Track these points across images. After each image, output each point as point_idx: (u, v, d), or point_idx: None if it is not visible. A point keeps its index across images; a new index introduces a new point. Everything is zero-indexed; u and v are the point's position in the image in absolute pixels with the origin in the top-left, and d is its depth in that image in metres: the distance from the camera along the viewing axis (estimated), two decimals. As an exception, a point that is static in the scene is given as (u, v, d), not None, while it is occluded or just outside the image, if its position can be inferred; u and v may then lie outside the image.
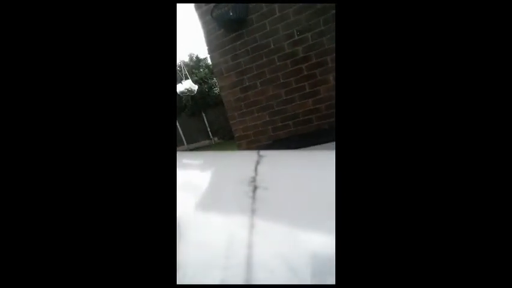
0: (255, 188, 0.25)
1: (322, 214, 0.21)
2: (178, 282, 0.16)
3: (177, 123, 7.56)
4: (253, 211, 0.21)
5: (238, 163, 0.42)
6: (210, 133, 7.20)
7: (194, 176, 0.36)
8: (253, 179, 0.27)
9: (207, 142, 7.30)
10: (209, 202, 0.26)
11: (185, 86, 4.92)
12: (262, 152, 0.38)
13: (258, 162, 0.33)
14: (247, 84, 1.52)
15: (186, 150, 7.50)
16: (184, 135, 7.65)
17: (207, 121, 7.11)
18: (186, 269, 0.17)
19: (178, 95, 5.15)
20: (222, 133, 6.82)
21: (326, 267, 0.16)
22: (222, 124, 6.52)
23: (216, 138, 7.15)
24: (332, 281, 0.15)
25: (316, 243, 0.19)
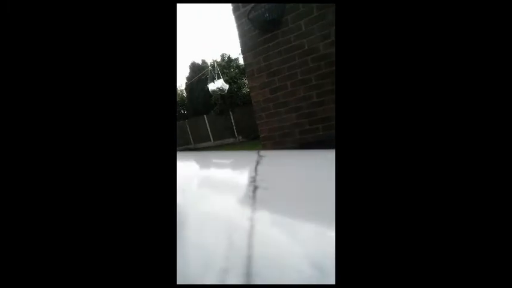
0: (255, 188, 0.25)
1: (322, 214, 0.21)
2: (178, 282, 0.16)
3: (206, 121, 7.97)
4: (253, 211, 0.21)
5: (239, 163, 0.42)
6: (235, 132, 7.39)
7: (194, 176, 0.36)
8: (253, 179, 0.27)
9: (231, 140, 7.52)
10: (209, 202, 0.26)
11: (217, 85, 5.15)
12: (262, 152, 0.38)
13: (258, 162, 0.33)
14: (277, 85, 1.52)
15: (212, 146, 7.84)
16: (211, 132, 8.02)
17: (233, 120, 7.32)
18: (186, 269, 0.17)
19: (210, 93, 5.40)
20: (246, 132, 6.94)
21: (326, 267, 0.16)
22: (247, 124, 6.64)
23: (240, 137, 7.31)
24: (332, 281, 0.15)
25: (317, 243, 0.19)
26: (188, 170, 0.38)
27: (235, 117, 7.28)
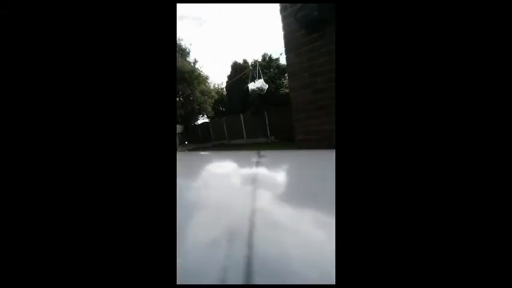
0: (255, 188, 0.24)
1: (322, 214, 0.21)
2: (178, 282, 0.16)
3: (241, 119, 8.26)
4: (253, 211, 0.21)
5: (239, 163, 0.42)
6: (268, 132, 7.43)
7: (195, 176, 0.36)
8: (254, 179, 0.27)
9: (263, 140, 7.59)
10: (209, 202, 0.25)
11: (257, 84, 5.27)
12: (262, 153, 0.38)
13: (258, 162, 0.33)
14: (319, 86, 1.45)
15: (244, 143, 8.07)
16: (245, 130, 8.28)
17: (268, 120, 7.37)
18: (186, 269, 0.17)
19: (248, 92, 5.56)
20: (279, 133, 6.89)
21: (326, 266, 0.16)
22: (281, 125, 6.57)
23: (272, 138, 7.31)
24: (332, 281, 0.15)
25: (317, 243, 0.19)
26: (189, 170, 0.38)
27: (270, 118, 7.31)
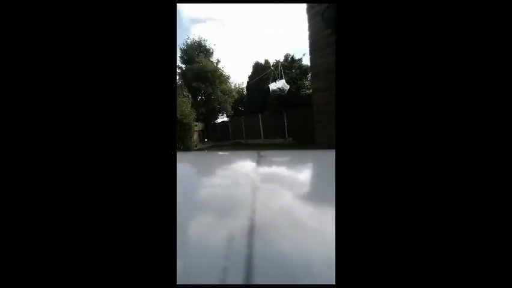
0: (255, 188, 0.24)
1: (322, 213, 0.21)
2: (178, 283, 0.16)
3: (259, 119, 8.28)
4: (253, 211, 0.21)
5: (239, 163, 0.42)
6: (286, 133, 7.34)
7: (195, 176, 0.36)
8: (254, 179, 0.27)
9: (280, 141, 7.51)
10: (209, 202, 0.25)
11: (278, 85, 5.25)
12: (262, 153, 0.38)
13: (258, 163, 0.33)
14: (344, 88, 1.39)
15: (261, 143, 8.08)
16: (263, 130, 8.28)
17: (286, 121, 7.27)
18: (186, 269, 0.17)
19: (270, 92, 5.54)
20: (297, 135, 6.75)
21: (326, 267, 0.16)
22: (300, 127, 6.43)
23: (290, 139, 7.19)
24: (332, 281, 0.15)
25: (316, 243, 0.19)
26: (190, 170, 0.39)
27: (289, 119, 7.21)
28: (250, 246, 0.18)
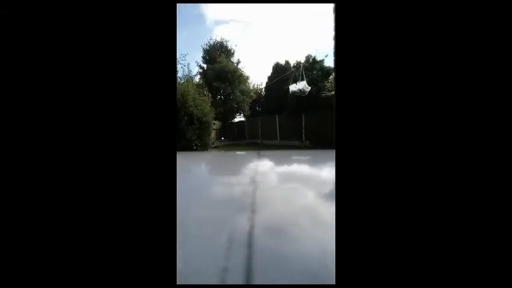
0: (255, 188, 0.25)
1: (322, 213, 0.21)
2: (178, 283, 0.16)
3: (276, 120, 8.23)
4: (253, 211, 0.21)
5: (239, 163, 0.42)
6: (303, 135, 7.20)
7: (195, 176, 0.35)
8: (254, 179, 0.27)
9: (297, 143, 7.38)
10: (209, 202, 0.25)
11: (298, 86, 5.18)
12: (262, 153, 0.39)
13: (258, 162, 0.34)
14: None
15: (276, 144, 8.03)
16: (279, 132, 8.23)
17: (304, 123, 7.14)
18: (186, 269, 0.17)
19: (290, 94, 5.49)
20: (314, 138, 6.58)
21: (326, 267, 0.16)
22: (318, 130, 6.26)
23: (307, 142, 7.04)
24: (332, 281, 0.15)
25: (316, 243, 0.19)
26: (189, 170, 0.39)
27: (307, 121, 7.06)
28: (250, 245, 0.18)
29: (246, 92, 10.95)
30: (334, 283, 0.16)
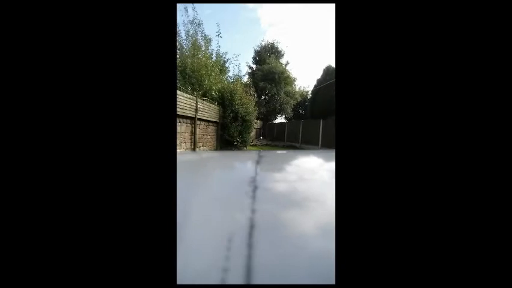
0: (255, 188, 0.25)
1: (322, 213, 0.21)
2: (178, 282, 0.16)
3: (320, 124, 7.79)
4: (253, 211, 0.21)
5: (239, 163, 0.42)
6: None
7: (195, 175, 0.36)
8: (254, 179, 0.27)
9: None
10: (209, 202, 0.25)
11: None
12: (262, 153, 0.39)
13: (258, 162, 0.33)
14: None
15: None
16: (321, 137, 7.77)
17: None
18: (186, 269, 0.16)
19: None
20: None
21: (326, 267, 0.16)
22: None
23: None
24: (332, 281, 0.16)
25: (317, 243, 0.19)
26: (190, 169, 0.39)
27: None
28: (250, 246, 0.18)
29: (291, 93, 10.81)
30: (334, 283, 0.15)
